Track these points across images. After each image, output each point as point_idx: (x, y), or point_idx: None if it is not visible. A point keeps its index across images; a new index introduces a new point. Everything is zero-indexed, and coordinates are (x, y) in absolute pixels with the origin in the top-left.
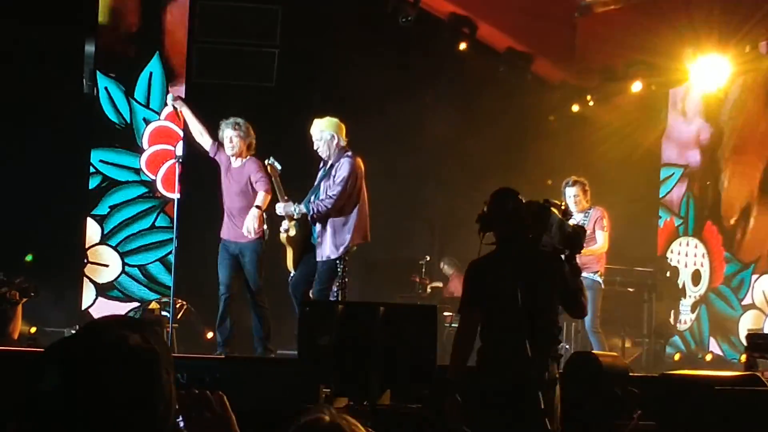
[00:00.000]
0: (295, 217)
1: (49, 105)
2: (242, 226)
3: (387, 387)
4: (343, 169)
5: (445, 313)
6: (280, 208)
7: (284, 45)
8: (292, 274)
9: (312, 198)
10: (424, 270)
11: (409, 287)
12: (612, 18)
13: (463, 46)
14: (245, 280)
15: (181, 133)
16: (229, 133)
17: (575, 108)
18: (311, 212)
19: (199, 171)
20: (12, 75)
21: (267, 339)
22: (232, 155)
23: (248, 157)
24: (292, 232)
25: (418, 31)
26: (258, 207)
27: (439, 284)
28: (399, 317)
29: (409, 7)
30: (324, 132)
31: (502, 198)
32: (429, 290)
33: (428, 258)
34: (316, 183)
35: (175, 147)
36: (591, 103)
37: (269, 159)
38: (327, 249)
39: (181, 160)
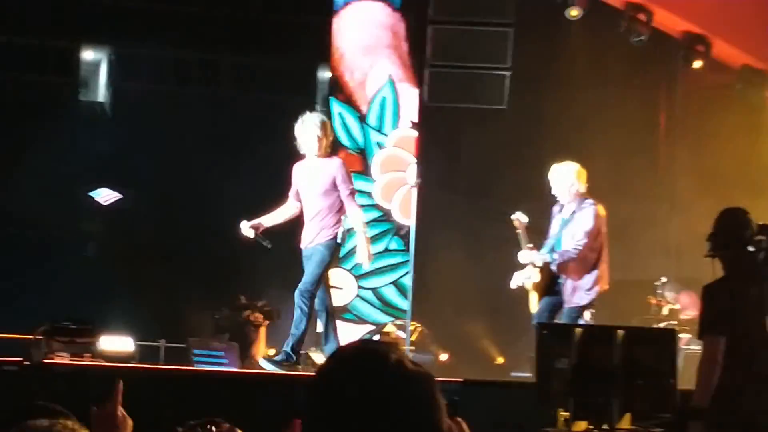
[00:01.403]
0: (537, 265)
1: (285, 131)
2: (320, 228)
3: (627, 411)
4: (587, 219)
5: (681, 335)
6: (525, 257)
7: (515, 67)
8: (534, 314)
9: (552, 245)
10: (660, 292)
11: (645, 309)
12: None
13: (697, 64)
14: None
15: (413, 159)
16: (315, 131)
17: None
18: (556, 261)
19: (433, 195)
20: (250, 102)
21: (299, 344)
22: (316, 154)
23: (327, 156)
24: (536, 279)
25: (651, 51)
26: (365, 234)
27: (677, 306)
28: (638, 340)
29: (641, 26)
30: (564, 179)
31: (731, 218)
32: (666, 312)
33: (664, 279)
34: (557, 229)
35: (406, 172)
36: None
37: (515, 214)
38: (575, 297)
39: (415, 186)
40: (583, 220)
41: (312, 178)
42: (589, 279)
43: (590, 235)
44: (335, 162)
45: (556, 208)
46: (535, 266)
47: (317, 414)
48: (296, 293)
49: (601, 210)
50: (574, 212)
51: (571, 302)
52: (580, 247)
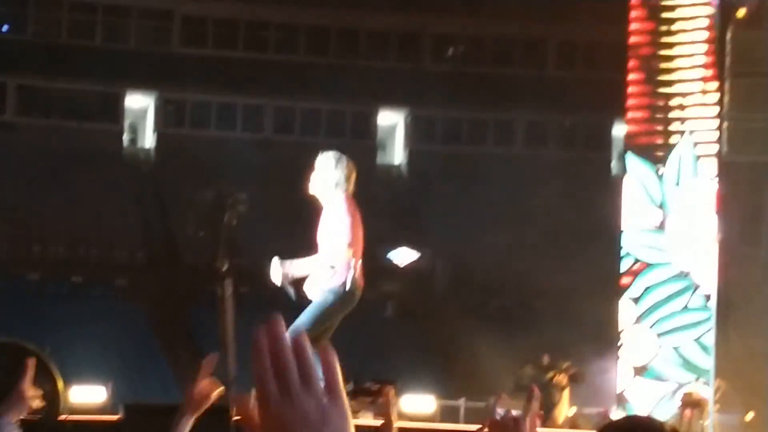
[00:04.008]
0: None
1: (581, 188)
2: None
3: None
4: None
5: None
6: None
7: None
8: None
9: None
10: None
11: None
12: None
13: None
14: None
15: (713, 214)
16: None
17: None
18: None
19: (734, 250)
20: (543, 159)
21: None
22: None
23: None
24: None
25: None
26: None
27: None
28: None
29: None
30: None
31: None
32: None
33: None
34: None
35: (706, 228)
36: None
37: None
38: None
39: (716, 242)
40: None
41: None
42: None
43: None
44: None
45: None
46: None
47: None
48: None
49: None
50: None
51: None
52: None
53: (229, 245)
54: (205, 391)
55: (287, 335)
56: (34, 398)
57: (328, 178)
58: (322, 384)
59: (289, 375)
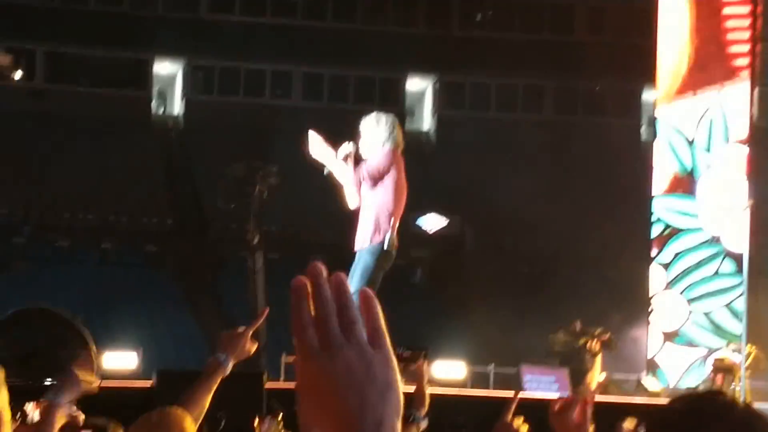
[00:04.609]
0: None
1: (611, 154)
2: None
3: None
4: None
5: None
6: None
7: None
8: None
9: None
10: None
11: None
12: None
13: None
14: None
15: (743, 178)
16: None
17: None
18: None
19: (766, 214)
20: (574, 125)
21: None
22: None
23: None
24: None
25: None
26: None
27: None
28: None
29: None
30: None
31: None
32: None
33: None
34: None
35: (737, 193)
36: None
37: None
38: None
39: (747, 206)
40: None
41: None
42: None
43: None
44: None
45: None
46: None
47: None
48: None
49: None
50: None
51: None
52: None
53: (260, 217)
54: (249, 340)
55: (328, 284)
56: (89, 383)
57: (374, 138)
58: (364, 332)
59: (330, 325)
